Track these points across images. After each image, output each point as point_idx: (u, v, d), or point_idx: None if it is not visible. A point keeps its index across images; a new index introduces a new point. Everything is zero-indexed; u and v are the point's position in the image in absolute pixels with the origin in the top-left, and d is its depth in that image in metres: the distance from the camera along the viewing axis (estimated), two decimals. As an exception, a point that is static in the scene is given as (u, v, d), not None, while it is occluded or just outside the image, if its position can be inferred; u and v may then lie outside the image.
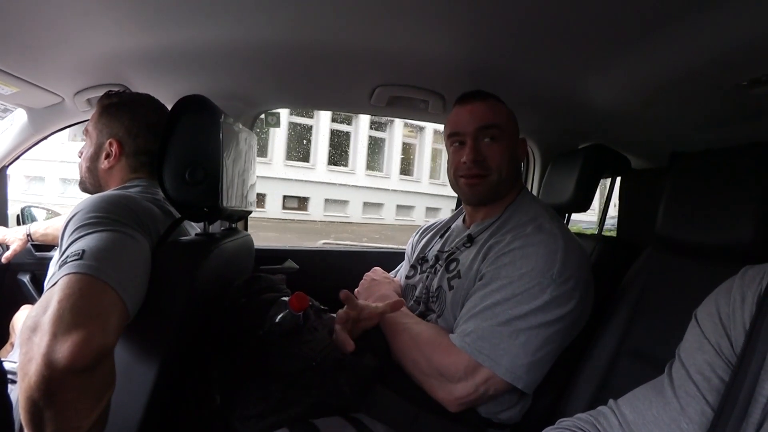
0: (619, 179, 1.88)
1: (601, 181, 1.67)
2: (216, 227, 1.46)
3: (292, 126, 14.62)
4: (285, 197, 14.93)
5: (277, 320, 1.04)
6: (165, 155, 1.01)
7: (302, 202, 15.45)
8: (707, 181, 1.06)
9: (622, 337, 1.12)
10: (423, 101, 1.62)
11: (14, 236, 1.67)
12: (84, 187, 1.25)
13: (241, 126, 1.23)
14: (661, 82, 1.24)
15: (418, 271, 1.34)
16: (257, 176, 1.42)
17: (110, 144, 1.17)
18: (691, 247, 1.08)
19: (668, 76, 1.19)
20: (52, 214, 2.09)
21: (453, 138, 1.23)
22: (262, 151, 13.72)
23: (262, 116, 1.81)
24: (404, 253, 1.61)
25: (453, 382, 1.03)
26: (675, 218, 1.11)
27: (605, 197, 1.89)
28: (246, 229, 1.84)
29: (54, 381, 0.73)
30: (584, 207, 1.57)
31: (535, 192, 1.96)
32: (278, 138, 14.01)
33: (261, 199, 13.88)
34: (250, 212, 1.39)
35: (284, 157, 14.67)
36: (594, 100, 1.47)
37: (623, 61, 1.19)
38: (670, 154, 1.23)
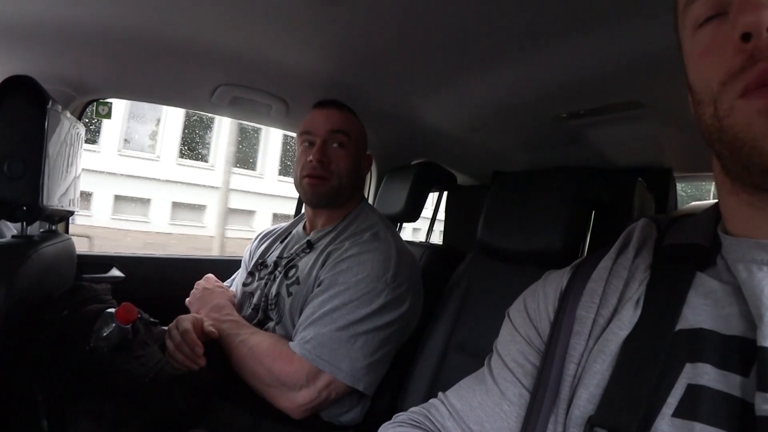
0: (446, 193, 2.05)
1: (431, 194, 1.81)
2: (34, 229, 1.28)
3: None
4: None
5: (104, 334, 0.95)
6: None
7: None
8: (523, 197, 1.21)
9: (449, 334, 1.22)
10: (266, 105, 1.61)
11: None
12: None
13: (69, 115, 1.10)
14: (489, 110, 1.38)
15: (256, 278, 1.32)
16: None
17: None
18: (508, 253, 1.23)
19: (495, 105, 1.33)
20: None
21: (304, 137, 1.26)
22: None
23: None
24: (237, 261, 1.57)
25: (295, 390, 1.03)
26: (494, 228, 1.25)
27: (433, 209, 2.04)
28: (67, 231, 1.64)
29: None
30: (414, 217, 1.69)
31: (370, 201, 2.05)
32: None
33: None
34: (73, 212, 1.25)
35: None
36: (427, 121, 1.59)
37: (455, 88, 1.31)
38: (493, 173, 1.38)
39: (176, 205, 13.86)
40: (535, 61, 1.09)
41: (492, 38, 1.03)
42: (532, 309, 0.67)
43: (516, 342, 0.66)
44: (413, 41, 1.08)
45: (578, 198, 1.11)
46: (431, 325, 1.27)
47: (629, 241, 0.59)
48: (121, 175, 12.82)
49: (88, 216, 12.20)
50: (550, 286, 0.66)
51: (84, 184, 1.32)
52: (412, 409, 0.72)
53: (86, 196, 12.24)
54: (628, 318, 0.52)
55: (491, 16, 0.94)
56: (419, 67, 1.22)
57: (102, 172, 12.17)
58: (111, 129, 12.51)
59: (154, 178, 13.44)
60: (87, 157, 1.43)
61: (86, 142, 1.30)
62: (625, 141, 1.42)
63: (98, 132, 12.23)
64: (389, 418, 1.12)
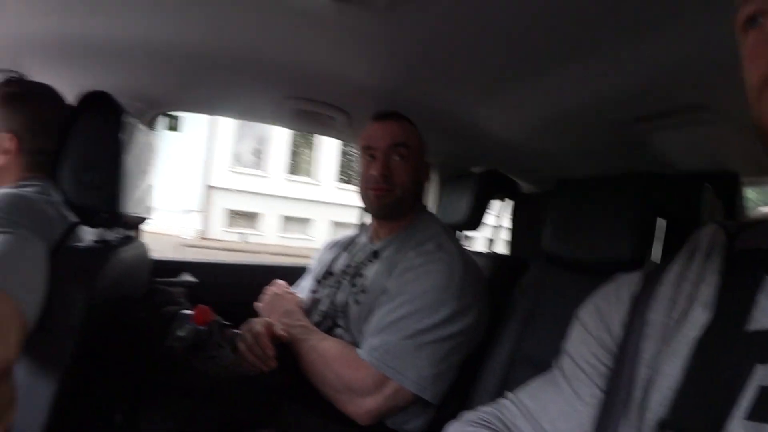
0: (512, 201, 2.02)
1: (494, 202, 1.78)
2: (111, 234, 1.36)
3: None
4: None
5: (179, 335, 0.99)
6: (63, 154, 0.94)
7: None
8: (588, 205, 1.18)
9: (516, 345, 1.19)
10: (329, 117, 1.64)
11: None
12: None
13: (143, 127, 1.17)
14: (552, 116, 1.36)
15: (324, 285, 1.34)
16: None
17: (8, 139, 1.05)
18: (574, 263, 1.19)
19: (557, 110, 1.31)
20: None
21: (366, 151, 1.27)
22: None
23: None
24: (305, 268, 1.61)
25: (362, 396, 1.04)
26: (559, 237, 1.22)
27: (498, 218, 2.02)
28: (140, 237, 1.73)
29: None
30: (475, 226, 1.68)
31: (431, 210, 2.04)
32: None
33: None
34: (147, 219, 1.32)
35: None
36: (488, 128, 1.57)
37: (516, 94, 1.29)
38: (557, 181, 1.35)
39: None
40: (598, 64, 1.07)
41: (553, 42, 1.01)
42: (604, 312, 0.66)
43: (588, 344, 0.65)
44: (472, 48, 1.07)
45: (644, 205, 1.07)
46: (497, 335, 1.25)
47: (697, 246, 0.59)
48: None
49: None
50: (623, 288, 0.65)
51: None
52: (481, 407, 0.72)
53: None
54: (699, 320, 0.51)
55: (552, 20, 0.93)
56: (479, 74, 1.22)
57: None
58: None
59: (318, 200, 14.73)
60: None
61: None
62: (691, 145, 1.37)
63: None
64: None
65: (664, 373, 0.51)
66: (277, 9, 0.99)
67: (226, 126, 13.36)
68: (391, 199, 1.24)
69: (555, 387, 0.66)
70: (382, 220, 1.32)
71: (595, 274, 1.10)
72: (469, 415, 0.71)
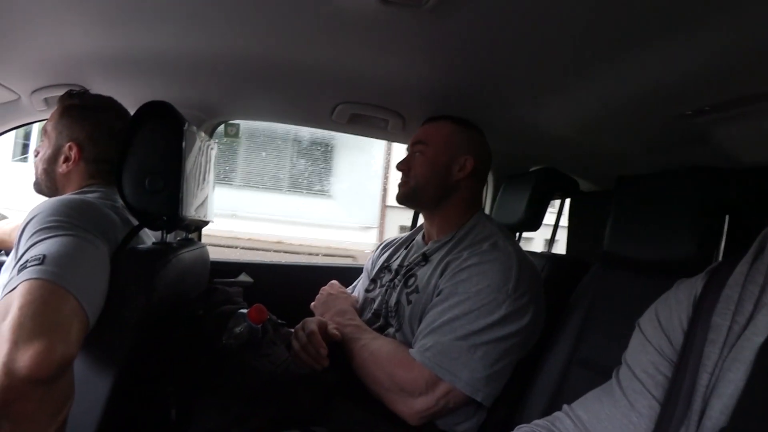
0: (568, 200, 1.95)
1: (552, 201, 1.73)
2: (172, 237, 1.42)
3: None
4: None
5: (235, 333, 1.03)
6: (125, 161, 0.99)
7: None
8: (650, 202, 1.13)
9: (573, 348, 1.16)
10: (383, 120, 1.65)
11: None
12: (39, 189, 1.19)
13: (203, 135, 1.22)
14: (608, 111, 1.30)
15: (378, 285, 1.35)
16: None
17: (69, 147, 1.12)
18: (636, 263, 1.14)
19: (616, 104, 1.26)
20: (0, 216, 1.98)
21: None
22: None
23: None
24: (360, 269, 1.62)
25: (414, 396, 1.04)
26: (621, 237, 1.17)
27: (555, 217, 1.96)
28: (200, 239, 1.81)
29: (13, 391, 0.69)
30: (535, 227, 1.63)
31: (487, 211, 2.01)
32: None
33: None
34: (207, 222, 1.37)
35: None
36: (544, 126, 1.53)
37: (571, 90, 1.25)
38: (617, 177, 1.30)
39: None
40: (655, 55, 1.02)
41: (608, 34, 0.97)
42: (664, 318, 0.64)
43: (647, 353, 0.63)
44: (526, 45, 1.05)
45: (710, 201, 1.01)
46: (553, 338, 1.21)
47: (765, 245, 0.56)
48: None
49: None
50: (683, 293, 0.63)
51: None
52: (536, 421, 0.71)
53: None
54: (764, 324, 0.49)
55: (606, 12, 0.89)
56: (533, 72, 1.19)
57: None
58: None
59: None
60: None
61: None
62: (758, 137, 1.28)
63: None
64: (505, 431, 1.09)
65: (728, 380, 0.49)
66: (328, 15, 1.00)
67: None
68: (407, 189, 1.32)
69: (611, 398, 0.64)
70: (428, 218, 1.36)
71: (657, 276, 1.07)
72: (523, 428, 0.71)
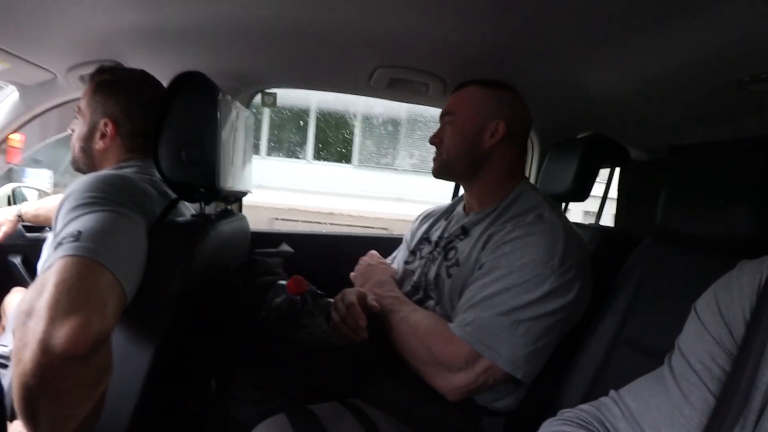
0: (618, 170, 1.87)
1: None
2: (211, 208, 1.44)
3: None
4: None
5: (274, 304, 1.03)
6: (161, 134, 0.99)
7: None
8: (706, 174, 1.06)
9: (619, 327, 1.12)
10: (423, 84, 1.61)
11: (4, 217, 1.62)
12: (77, 167, 1.21)
13: (238, 105, 1.21)
14: (662, 75, 1.24)
15: (417, 256, 1.33)
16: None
17: (105, 124, 1.13)
18: (690, 238, 1.08)
19: (668, 68, 1.19)
20: (43, 194, 2.06)
21: None
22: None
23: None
24: (400, 239, 1.60)
25: (452, 371, 1.02)
26: (674, 210, 1.11)
27: (605, 188, 1.88)
28: (240, 210, 1.82)
29: (50, 367, 0.70)
30: (583, 197, 1.57)
31: (532, 180, 1.95)
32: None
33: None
34: (246, 193, 1.37)
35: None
36: (594, 90, 1.47)
37: (624, 51, 1.19)
38: (669, 147, 1.24)
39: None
40: (714, 16, 0.95)
41: None
42: (725, 305, 0.59)
43: (704, 341, 0.59)
44: (575, 4, 0.99)
45: None
46: (599, 315, 1.17)
47: None
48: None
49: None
50: (746, 279, 0.58)
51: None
52: (580, 406, 0.69)
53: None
54: None
55: None
56: (583, 32, 1.13)
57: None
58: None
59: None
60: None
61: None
62: None
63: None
64: (545, 410, 1.06)
65: None
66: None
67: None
68: (440, 162, 1.29)
69: (662, 387, 0.61)
70: (468, 189, 1.32)
71: (713, 253, 1.01)
72: (567, 413, 0.69)
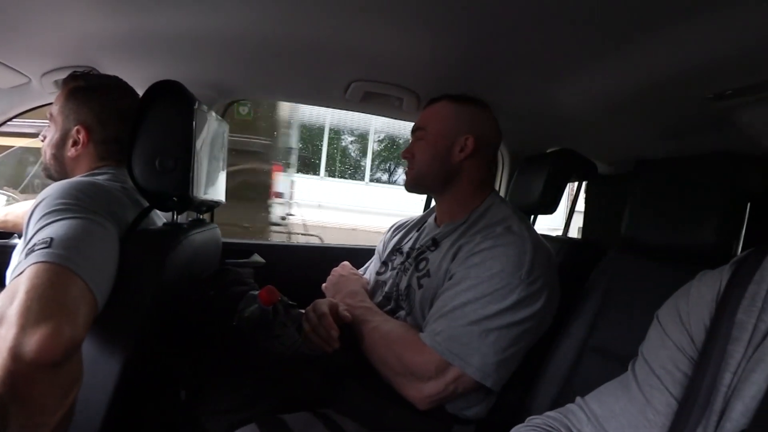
0: (585, 183, 1.92)
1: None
2: (183, 218, 1.42)
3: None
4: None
5: (246, 314, 1.02)
6: (135, 142, 0.98)
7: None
8: (670, 187, 1.10)
9: (586, 335, 1.15)
10: (397, 98, 1.63)
11: None
12: (48, 174, 1.19)
13: (214, 114, 1.20)
14: (628, 93, 1.28)
15: (389, 268, 1.34)
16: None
17: (77, 131, 1.11)
18: (654, 249, 1.12)
19: (635, 86, 1.23)
20: (12, 200, 2.01)
21: None
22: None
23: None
24: (372, 250, 1.61)
25: (423, 380, 1.03)
26: (640, 222, 1.15)
27: (571, 201, 1.93)
28: (212, 220, 1.80)
29: (21, 375, 0.69)
30: (551, 209, 1.61)
31: (502, 193, 1.99)
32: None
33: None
34: (219, 203, 1.37)
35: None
36: (563, 107, 1.50)
37: (593, 70, 1.22)
38: (635, 161, 1.28)
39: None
40: (678, 36, 0.99)
41: (628, 15, 0.95)
42: (685, 312, 0.62)
43: (666, 347, 0.62)
44: (544, 25, 1.03)
45: (733, 188, 0.98)
46: (567, 324, 1.20)
47: None
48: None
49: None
50: (706, 287, 0.61)
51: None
52: (548, 413, 0.71)
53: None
54: None
55: None
56: (552, 50, 1.16)
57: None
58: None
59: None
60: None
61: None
62: None
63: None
64: (515, 416, 1.08)
65: (751, 381, 0.48)
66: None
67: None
68: (412, 176, 1.30)
69: (626, 392, 0.63)
70: (438, 202, 1.35)
71: (676, 263, 1.05)
72: (535, 420, 0.70)
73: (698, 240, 0.99)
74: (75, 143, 1.12)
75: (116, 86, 1.17)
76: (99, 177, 1.07)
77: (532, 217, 1.72)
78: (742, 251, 0.99)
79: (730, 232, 0.97)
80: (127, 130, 0.99)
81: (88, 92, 1.13)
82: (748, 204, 1.01)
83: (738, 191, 0.98)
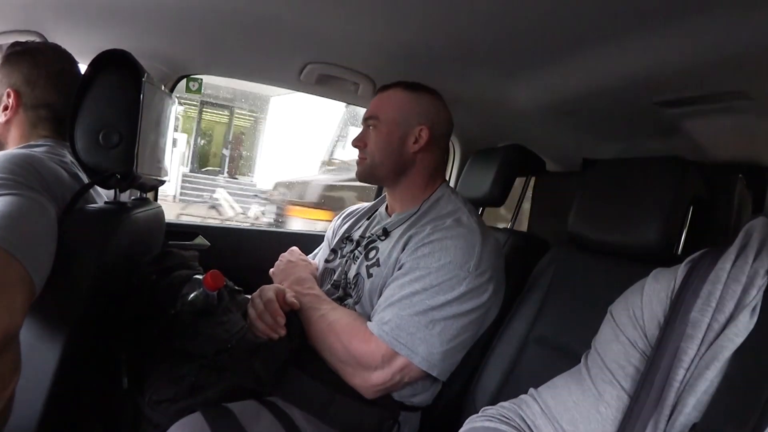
0: (533, 179, 1.97)
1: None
2: (125, 196, 1.35)
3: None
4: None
5: (190, 299, 0.99)
6: (78, 113, 0.92)
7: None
8: (616, 187, 1.14)
9: (530, 326, 1.18)
10: (353, 83, 1.62)
11: None
12: None
13: (163, 88, 1.15)
14: (578, 95, 1.32)
15: (338, 255, 1.33)
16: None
17: (8, 95, 1.04)
18: (598, 245, 1.16)
19: (587, 89, 1.27)
20: None
21: None
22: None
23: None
24: (322, 236, 1.59)
25: (370, 369, 1.03)
26: (585, 219, 1.19)
27: (519, 194, 1.97)
28: (156, 199, 1.73)
29: None
30: (500, 202, 1.64)
31: (452, 185, 2.00)
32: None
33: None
34: (164, 182, 1.31)
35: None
36: (515, 104, 1.53)
37: (547, 70, 1.25)
38: (582, 160, 1.32)
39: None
40: (632, 44, 1.03)
41: (585, 19, 0.98)
42: (638, 308, 0.64)
43: (619, 342, 0.63)
44: (499, 23, 1.05)
45: (678, 191, 1.03)
46: (511, 314, 1.23)
47: (748, 242, 0.56)
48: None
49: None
50: (660, 284, 0.63)
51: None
52: (501, 403, 0.71)
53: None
54: (744, 325, 0.49)
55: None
56: (509, 47, 1.18)
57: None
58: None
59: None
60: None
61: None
62: (724, 134, 1.32)
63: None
64: (460, 403, 1.11)
65: (704, 378, 0.50)
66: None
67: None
68: (364, 166, 1.28)
69: (579, 386, 0.64)
70: (390, 192, 1.33)
71: (618, 260, 1.09)
72: (489, 410, 0.71)
73: (642, 239, 1.03)
74: (6, 108, 1.05)
75: (50, 50, 1.10)
76: (36, 149, 1.00)
77: (481, 209, 1.75)
78: (682, 252, 1.05)
79: (673, 233, 1.02)
80: (62, 97, 0.92)
81: (20, 55, 1.06)
82: (691, 208, 1.06)
83: (683, 194, 1.02)
